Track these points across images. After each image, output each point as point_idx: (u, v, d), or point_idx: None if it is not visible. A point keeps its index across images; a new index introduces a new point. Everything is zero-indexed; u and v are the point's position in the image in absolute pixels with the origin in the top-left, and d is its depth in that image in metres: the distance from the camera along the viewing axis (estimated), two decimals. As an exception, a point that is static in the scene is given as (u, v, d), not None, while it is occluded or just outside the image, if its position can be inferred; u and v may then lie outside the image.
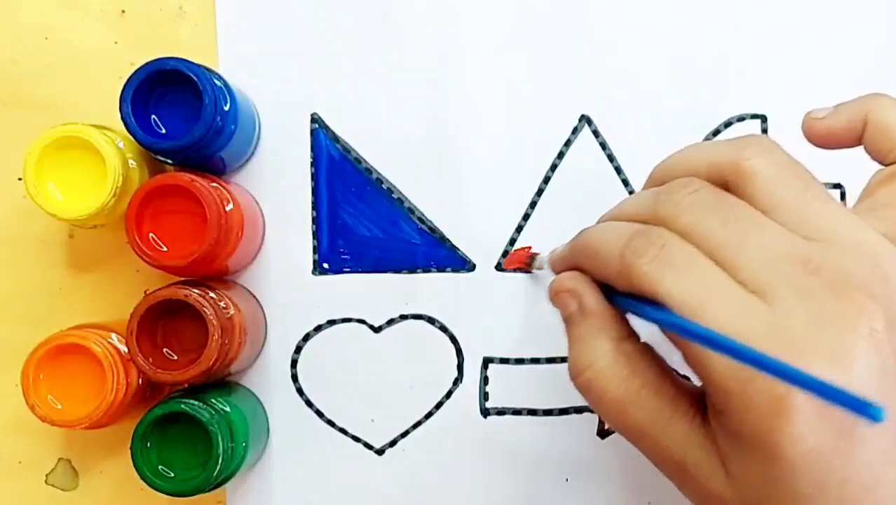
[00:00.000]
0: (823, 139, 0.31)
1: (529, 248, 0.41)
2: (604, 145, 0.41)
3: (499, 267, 0.41)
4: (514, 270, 0.41)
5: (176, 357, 0.37)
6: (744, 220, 0.26)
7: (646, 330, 0.29)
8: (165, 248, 0.36)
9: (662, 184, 0.29)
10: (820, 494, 0.24)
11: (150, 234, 0.36)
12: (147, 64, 0.36)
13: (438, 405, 0.41)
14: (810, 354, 0.23)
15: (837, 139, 0.31)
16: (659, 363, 0.29)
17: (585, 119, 0.41)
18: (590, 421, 0.41)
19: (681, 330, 0.25)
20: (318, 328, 0.41)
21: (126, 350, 0.36)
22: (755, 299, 0.24)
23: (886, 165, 0.30)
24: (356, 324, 0.41)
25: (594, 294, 0.29)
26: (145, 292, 0.37)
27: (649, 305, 0.26)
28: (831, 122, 0.31)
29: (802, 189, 0.26)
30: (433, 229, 0.41)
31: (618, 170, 0.41)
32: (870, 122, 0.30)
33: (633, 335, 0.29)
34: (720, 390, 0.25)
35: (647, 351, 0.29)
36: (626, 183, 0.41)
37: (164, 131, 0.37)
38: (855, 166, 0.42)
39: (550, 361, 0.41)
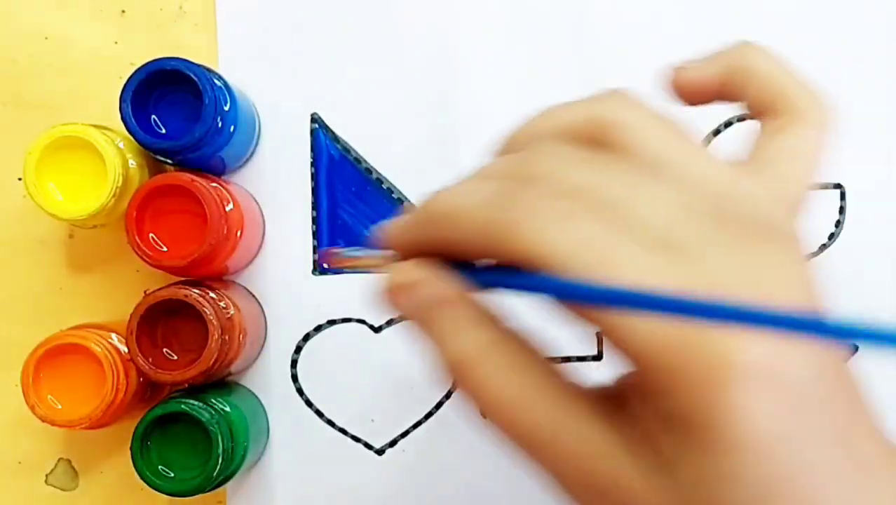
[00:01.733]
0: (691, 93, 0.27)
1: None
2: (604, 145, 0.41)
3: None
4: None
5: (176, 357, 0.37)
6: (632, 174, 0.22)
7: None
8: (165, 249, 0.36)
9: (519, 150, 0.25)
10: (778, 485, 0.19)
11: (150, 235, 0.36)
12: (147, 64, 0.36)
13: (438, 405, 0.41)
14: (748, 296, 0.19)
15: (706, 92, 0.27)
16: (545, 356, 0.23)
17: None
18: (590, 421, 0.41)
19: (587, 295, 0.20)
20: (318, 328, 0.41)
21: (126, 350, 0.36)
22: (665, 255, 0.20)
23: (764, 120, 0.26)
24: (356, 324, 0.41)
25: (447, 278, 0.23)
26: (145, 292, 0.37)
27: (531, 275, 0.21)
28: (700, 72, 0.26)
29: (682, 141, 0.23)
30: (433, 229, 0.41)
31: (618, 170, 0.41)
32: (746, 73, 0.26)
33: (503, 320, 0.24)
34: (648, 365, 0.20)
35: (526, 339, 0.24)
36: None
37: (164, 131, 0.37)
38: (855, 167, 0.42)
39: (550, 361, 0.41)
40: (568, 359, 0.41)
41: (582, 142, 0.23)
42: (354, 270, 0.38)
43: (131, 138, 0.36)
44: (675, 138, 0.23)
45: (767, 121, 0.26)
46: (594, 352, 0.41)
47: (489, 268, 0.23)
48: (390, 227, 0.26)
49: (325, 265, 0.41)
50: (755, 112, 0.26)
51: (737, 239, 0.20)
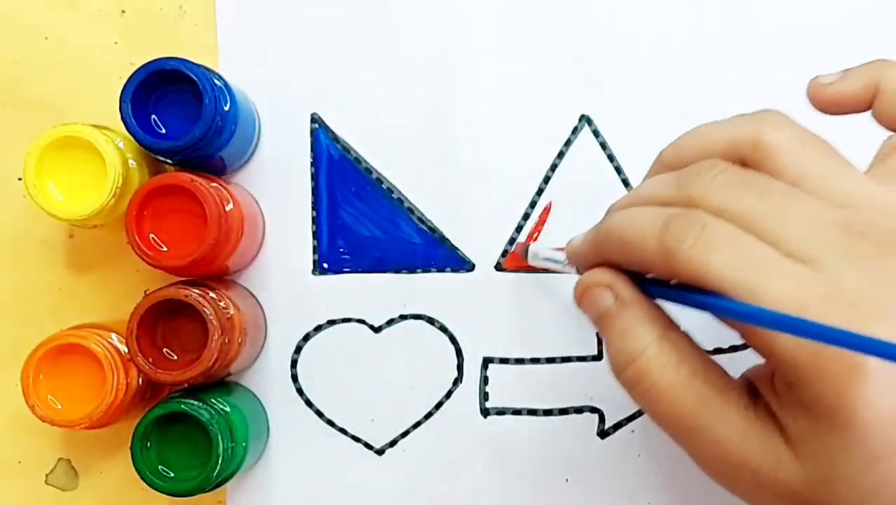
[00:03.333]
0: (832, 105, 0.30)
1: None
2: (604, 145, 0.41)
3: (498, 267, 0.41)
4: (515, 270, 0.41)
5: (176, 357, 0.37)
6: (777, 193, 0.26)
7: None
8: (165, 249, 0.36)
9: (674, 167, 0.29)
10: (885, 451, 0.24)
11: (150, 235, 0.36)
12: (147, 64, 0.36)
13: (438, 405, 0.41)
14: (874, 313, 0.23)
15: (846, 105, 0.30)
16: (704, 353, 0.28)
17: (585, 119, 0.41)
18: (590, 421, 0.41)
19: (737, 314, 0.24)
20: (318, 328, 0.41)
21: (126, 350, 0.36)
22: (806, 269, 0.24)
23: None
24: (356, 324, 0.41)
25: (630, 285, 0.28)
26: (145, 292, 0.37)
27: (694, 291, 0.25)
28: (841, 87, 0.30)
29: (824, 158, 0.26)
30: (433, 229, 0.41)
31: (618, 170, 0.41)
32: (882, 88, 0.29)
33: (674, 323, 0.28)
34: (790, 365, 0.24)
35: (690, 339, 0.28)
36: (626, 183, 0.41)
37: (164, 131, 0.37)
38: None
39: (550, 360, 0.41)
40: (568, 359, 0.41)
41: (733, 160, 0.27)
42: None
43: (131, 138, 0.36)
44: (820, 157, 0.26)
45: None
46: (594, 352, 0.41)
47: (655, 280, 0.28)
48: (574, 243, 0.32)
49: (507, 266, 0.41)
50: (885, 124, 0.29)
51: (873, 252, 0.24)
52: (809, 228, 0.25)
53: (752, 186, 0.26)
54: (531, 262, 0.39)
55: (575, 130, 0.41)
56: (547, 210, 0.40)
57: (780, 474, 0.25)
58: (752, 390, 0.27)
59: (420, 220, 0.41)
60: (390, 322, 0.41)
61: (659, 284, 0.27)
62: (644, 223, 0.27)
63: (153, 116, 0.37)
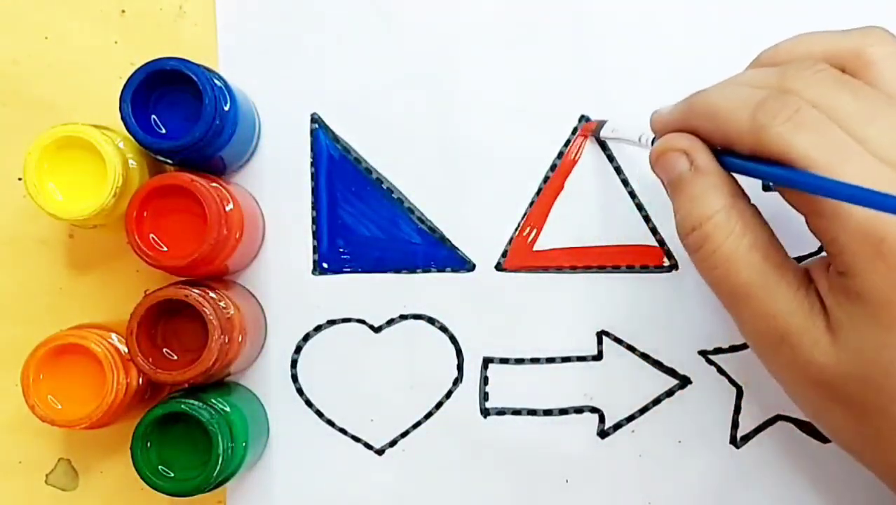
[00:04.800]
0: None
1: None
2: (604, 145, 0.41)
3: (498, 267, 0.41)
4: (515, 270, 0.41)
5: (176, 357, 0.37)
6: (873, 98, 0.27)
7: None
8: (165, 249, 0.36)
9: (773, 66, 0.30)
10: None
11: (150, 235, 0.36)
12: (147, 64, 0.36)
13: (438, 405, 0.41)
14: None
15: None
16: (769, 229, 0.29)
17: (585, 119, 0.41)
18: (590, 421, 0.41)
19: (817, 186, 0.25)
20: (318, 328, 0.41)
21: (126, 350, 0.36)
22: (885, 167, 0.25)
23: None
24: (356, 324, 0.41)
25: (707, 152, 0.29)
26: (145, 292, 0.37)
27: (778, 166, 0.26)
28: None
29: None
30: (433, 229, 0.41)
31: (618, 170, 0.41)
32: None
33: (745, 195, 0.29)
34: (849, 251, 0.25)
35: (758, 213, 0.29)
36: (625, 183, 0.41)
37: (164, 131, 0.37)
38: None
39: (550, 360, 0.41)
40: (568, 359, 0.41)
41: (834, 66, 0.28)
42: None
43: (131, 138, 0.36)
44: None
45: None
46: (594, 352, 0.41)
47: (736, 154, 0.28)
48: (661, 111, 0.33)
49: (584, 135, 0.41)
50: None
51: None
52: None
53: (850, 87, 0.27)
54: (604, 136, 0.39)
55: (575, 130, 0.41)
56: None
57: (816, 355, 0.27)
58: (808, 276, 0.28)
59: (420, 220, 0.41)
60: (390, 322, 0.41)
61: (740, 157, 0.28)
62: (740, 97, 0.28)
63: (153, 116, 0.37)
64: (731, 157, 0.29)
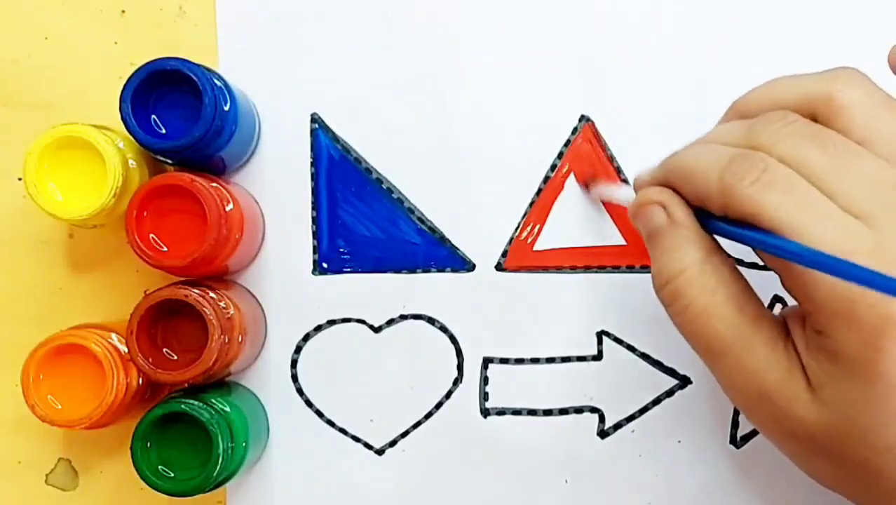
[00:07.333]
0: None
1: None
2: (604, 146, 0.41)
3: (498, 267, 0.41)
4: (515, 270, 0.41)
5: (176, 357, 0.37)
6: (842, 149, 0.26)
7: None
8: (165, 249, 0.36)
9: (746, 116, 0.29)
10: None
11: (150, 235, 0.36)
12: (147, 64, 0.36)
13: (438, 405, 0.41)
14: None
15: None
16: (744, 282, 0.29)
17: (585, 119, 0.41)
18: (590, 421, 0.41)
19: (785, 252, 0.25)
20: (318, 328, 0.41)
21: (126, 350, 0.36)
22: (858, 223, 0.25)
23: None
24: (356, 324, 0.41)
25: (683, 207, 0.29)
26: (145, 292, 0.37)
27: (747, 228, 0.26)
28: None
29: (890, 119, 0.27)
30: (433, 229, 0.41)
31: (618, 170, 0.41)
32: None
33: (720, 249, 0.29)
34: (824, 311, 0.25)
35: (734, 267, 0.29)
36: (626, 183, 0.41)
37: (164, 131, 0.37)
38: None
39: (550, 360, 0.41)
40: (568, 359, 0.41)
41: (805, 114, 0.28)
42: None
43: (131, 138, 0.36)
44: (891, 118, 0.27)
45: None
46: (594, 352, 0.41)
47: (710, 214, 0.28)
48: (641, 173, 0.33)
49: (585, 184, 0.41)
50: None
51: None
52: (868, 186, 0.25)
53: (818, 139, 0.27)
54: (594, 198, 0.40)
55: (575, 130, 0.41)
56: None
57: (796, 410, 0.26)
58: (785, 328, 0.28)
59: (420, 220, 0.41)
60: (390, 322, 0.41)
61: (713, 218, 0.28)
62: (710, 158, 0.28)
63: (153, 116, 0.37)
64: (708, 218, 0.29)
